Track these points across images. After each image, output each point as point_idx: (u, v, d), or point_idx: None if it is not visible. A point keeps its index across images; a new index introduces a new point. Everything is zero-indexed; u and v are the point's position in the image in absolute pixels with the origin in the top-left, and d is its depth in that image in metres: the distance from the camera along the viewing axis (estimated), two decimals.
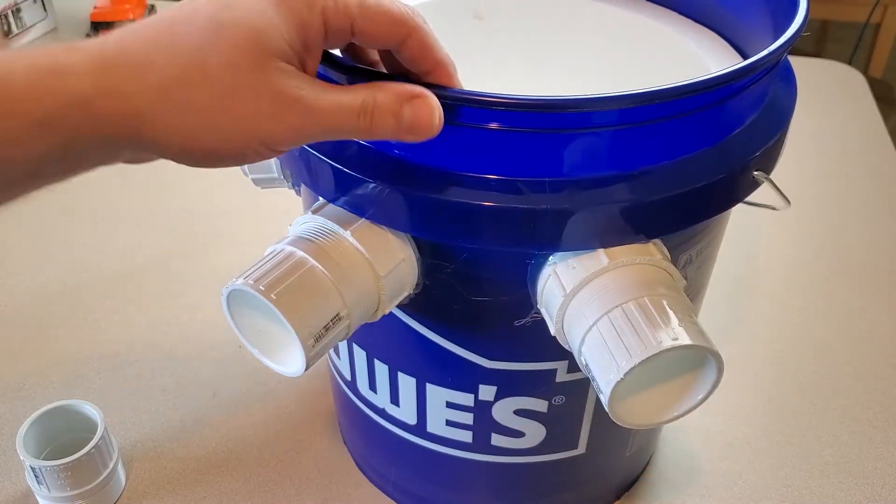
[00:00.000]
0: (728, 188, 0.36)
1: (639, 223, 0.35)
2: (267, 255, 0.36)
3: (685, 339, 0.32)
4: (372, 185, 0.35)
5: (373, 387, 0.47)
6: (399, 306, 0.41)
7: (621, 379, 0.32)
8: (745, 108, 0.38)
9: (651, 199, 0.34)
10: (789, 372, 0.64)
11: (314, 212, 0.38)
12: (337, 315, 0.36)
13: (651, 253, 0.35)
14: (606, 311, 0.34)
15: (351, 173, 0.35)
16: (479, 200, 0.33)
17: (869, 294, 0.71)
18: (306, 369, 0.36)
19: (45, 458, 0.50)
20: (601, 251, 0.35)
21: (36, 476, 0.50)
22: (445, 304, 0.40)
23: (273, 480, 0.55)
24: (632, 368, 0.32)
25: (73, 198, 0.80)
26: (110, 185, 0.82)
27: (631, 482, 0.55)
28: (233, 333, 0.67)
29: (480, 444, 0.46)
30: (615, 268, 0.35)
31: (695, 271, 0.41)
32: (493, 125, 0.33)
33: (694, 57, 0.46)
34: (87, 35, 1.01)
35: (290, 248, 0.36)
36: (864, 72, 1.33)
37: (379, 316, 0.39)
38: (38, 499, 0.52)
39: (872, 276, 0.73)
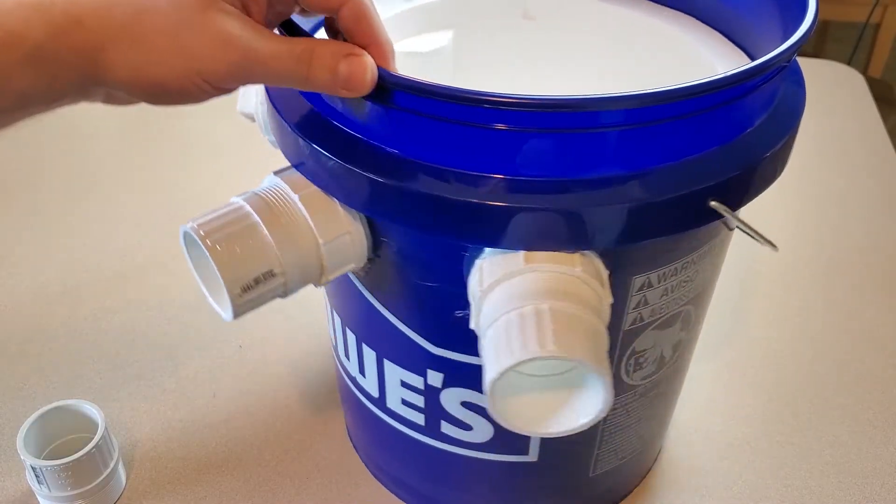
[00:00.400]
0: (671, 212, 0.35)
1: (562, 233, 0.34)
2: (224, 205, 0.39)
3: (567, 352, 0.32)
4: (324, 157, 0.36)
5: (347, 354, 0.49)
6: (358, 279, 0.43)
7: (496, 377, 0.33)
8: (709, 128, 0.36)
9: (576, 211, 0.34)
10: (789, 372, 0.64)
11: (276, 172, 0.40)
12: (270, 271, 0.38)
13: (573, 264, 0.35)
14: (506, 312, 0.34)
15: (306, 142, 0.37)
16: (412, 185, 0.34)
17: (869, 294, 0.71)
18: (235, 317, 0.38)
19: (45, 458, 0.50)
20: (522, 253, 0.35)
21: (36, 476, 0.50)
22: (395, 283, 0.41)
23: (273, 480, 0.55)
24: (507, 368, 0.32)
25: (73, 198, 0.80)
26: (110, 185, 0.82)
27: None
28: (233, 333, 0.68)
29: (432, 429, 0.47)
30: (530, 272, 0.35)
31: (660, 297, 0.40)
32: (437, 116, 0.34)
33: (699, 58, 0.46)
34: None
35: (241, 202, 0.38)
36: (864, 72, 1.33)
37: (324, 281, 0.40)
38: (39, 499, 0.52)
39: (872, 276, 0.73)
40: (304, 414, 0.59)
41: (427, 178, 0.35)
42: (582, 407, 0.35)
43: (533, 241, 0.35)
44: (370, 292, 0.43)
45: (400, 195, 0.35)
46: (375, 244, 0.40)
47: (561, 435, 0.35)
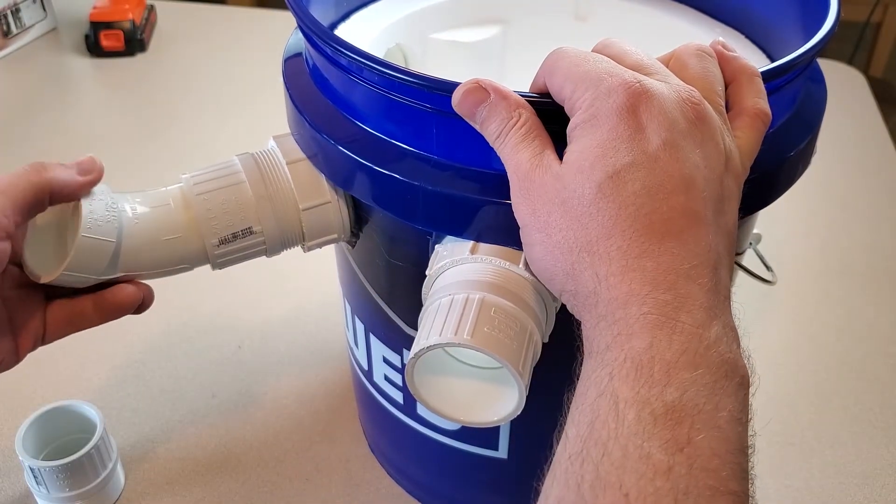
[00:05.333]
0: None
1: (506, 227, 0.35)
2: (223, 162, 0.41)
3: (482, 345, 0.32)
4: (309, 128, 0.38)
5: (347, 324, 0.51)
6: (349, 253, 0.45)
7: (413, 356, 0.34)
8: None
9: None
10: (789, 372, 0.64)
11: (275, 137, 0.42)
12: (249, 228, 0.40)
13: (517, 261, 0.35)
14: (442, 296, 0.35)
15: (298, 112, 0.39)
16: (375, 164, 0.36)
17: (869, 294, 0.71)
18: (214, 268, 0.41)
19: (44, 459, 0.50)
20: (470, 243, 0.36)
21: (35, 476, 0.50)
22: (374, 259, 0.43)
23: (272, 481, 0.55)
24: (424, 349, 0.33)
25: None
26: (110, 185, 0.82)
27: None
28: (232, 334, 0.67)
29: (409, 408, 0.48)
30: (474, 262, 0.36)
31: None
32: (390, 94, 0.35)
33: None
34: (86, 35, 1.01)
35: (235, 160, 0.41)
36: (865, 71, 1.33)
37: (307, 247, 0.42)
38: (37, 499, 0.52)
39: (872, 276, 0.73)
40: (304, 414, 0.59)
41: (389, 160, 0.36)
42: (499, 405, 0.35)
43: (481, 233, 0.36)
44: (357, 267, 0.45)
45: (367, 174, 0.36)
46: (359, 220, 0.42)
47: (470, 425, 0.36)
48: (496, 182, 0.34)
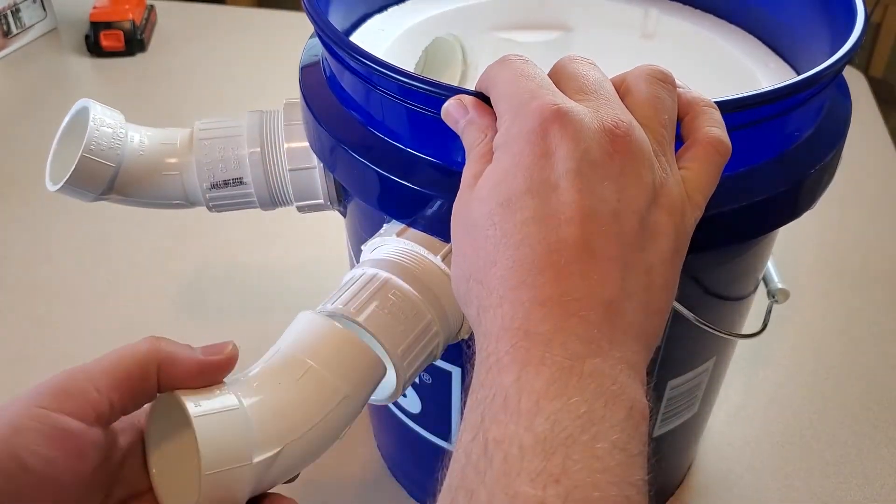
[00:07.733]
0: None
1: (427, 216, 0.35)
2: (233, 117, 0.45)
3: (363, 321, 0.33)
4: (302, 99, 0.41)
5: None
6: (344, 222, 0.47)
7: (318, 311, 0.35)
8: None
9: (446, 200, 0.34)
10: (789, 372, 0.64)
11: (286, 100, 0.45)
12: (240, 178, 0.44)
13: (436, 251, 0.36)
14: (356, 269, 0.36)
15: (301, 86, 0.41)
16: (342, 140, 0.37)
17: (869, 294, 0.71)
18: (210, 210, 0.45)
19: None
20: (400, 226, 0.37)
21: None
22: (353, 233, 0.45)
23: None
24: (318, 313, 0.34)
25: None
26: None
27: None
28: (233, 333, 0.67)
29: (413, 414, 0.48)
30: (395, 243, 0.37)
31: None
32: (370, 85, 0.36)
33: (744, 71, 0.46)
34: (87, 35, 1.01)
35: (245, 116, 0.44)
36: (865, 71, 1.33)
37: (299, 207, 0.45)
38: None
39: (871, 277, 0.73)
40: None
41: (352, 137, 0.37)
42: (384, 386, 0.35)
43: (419, 222, 0.36)
44: (348, 238, 0.47)
45: (331, 144, 0.38)
46: (345, 191, 0.44)
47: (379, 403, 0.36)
48: (424, 167, 0.35)
